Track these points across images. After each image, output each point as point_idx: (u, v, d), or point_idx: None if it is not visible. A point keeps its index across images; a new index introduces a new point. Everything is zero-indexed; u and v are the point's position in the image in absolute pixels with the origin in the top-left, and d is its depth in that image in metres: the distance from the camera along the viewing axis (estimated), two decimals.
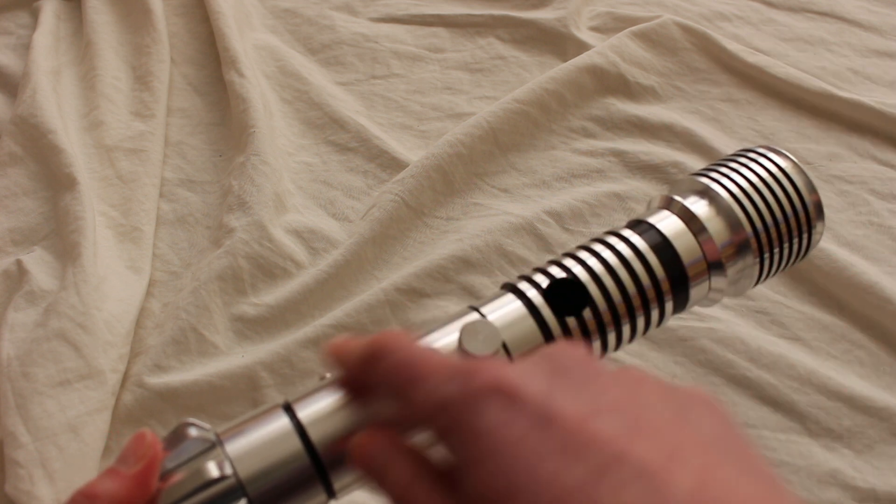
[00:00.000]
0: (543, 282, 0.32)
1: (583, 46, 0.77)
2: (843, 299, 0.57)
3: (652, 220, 0.36)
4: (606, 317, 0.32)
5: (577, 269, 0.33)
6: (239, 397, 0.52)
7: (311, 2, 0.85)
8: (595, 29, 0.82)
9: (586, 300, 0.32)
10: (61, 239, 0.59)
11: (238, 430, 0.27)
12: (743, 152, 0.39)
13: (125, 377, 0.53)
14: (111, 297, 0.55)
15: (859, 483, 0.47)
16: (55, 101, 0.68)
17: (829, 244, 0.59)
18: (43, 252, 0.59)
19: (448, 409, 0.22)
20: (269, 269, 0.58)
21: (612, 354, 0.34)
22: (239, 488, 0.26)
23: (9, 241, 0.61)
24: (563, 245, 0.61)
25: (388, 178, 0.66)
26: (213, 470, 0.26)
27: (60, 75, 0.73)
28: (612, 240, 0.34)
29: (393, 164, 0.67)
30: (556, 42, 0.80)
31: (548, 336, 0.31)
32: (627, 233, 0.35)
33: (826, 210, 0.65)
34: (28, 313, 0.54)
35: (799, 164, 0.38)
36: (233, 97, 0.70)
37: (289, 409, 0.28)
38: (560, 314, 0.32)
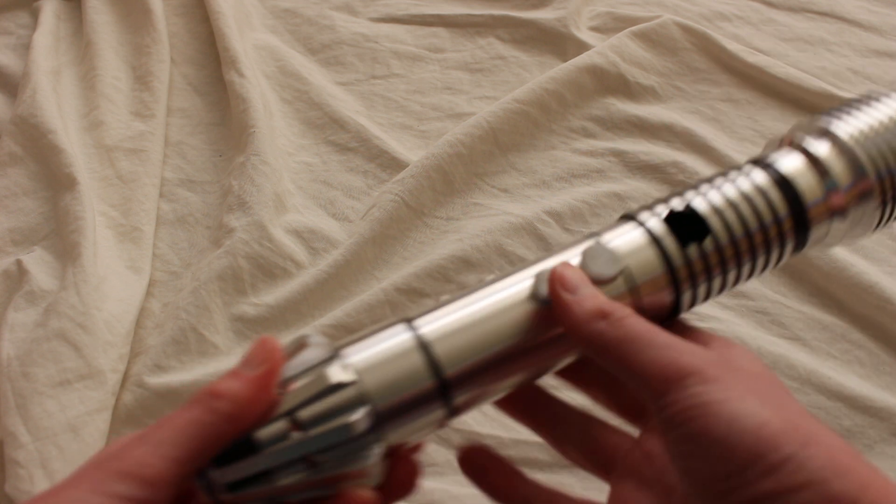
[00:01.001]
0: (664, 212, 0.32)
1: (583, 46, 0.77)
2: (843, 299, 0.57)
3: (773, 158, 0.34)
4: (728, 251, 0.31)
5: (698, 201, 0.32)
6: None
7: (311, 2, 0.85)
8: (595, 29, 0.82)
9: (707, 230, 0.31)
10: (61, 239, 0.59)
11: (359, 342, 0.27)
12: (868, 95, 0.38)
13: (125, 377, 0.53)
14: (111, 297, 0.55)
15: None
16: (55, 101, 0.68)
17: None
18: (43, 252, 0.59)
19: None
20: (269, 269, 0.58)
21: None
22: (361, 396, 0.26)
23: (9, 241, 0.61)
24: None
25: (388, 178, 0.66)
26: (336, 374, 0.26)
27: (60, 75, 0.73)
28: (734, 175, 0.33)
29: (393, 164, 0.67)
30: (556, 42, 0.80)
31: (669, 264, 0.31)
32: (749, 168, 0.34)
33: None
34: (28, 313, 0.54)
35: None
36: (233, 97, 0.70)
37: (410, 324, 0.28)
38: (682, 242, 0.31)
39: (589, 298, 0.27)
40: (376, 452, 0.26)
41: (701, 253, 0.31)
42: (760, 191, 0.32)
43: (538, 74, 0.75)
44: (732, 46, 0.76)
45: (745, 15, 0.85)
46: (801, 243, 0.34)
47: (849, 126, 0.35)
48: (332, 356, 0.26)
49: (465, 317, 0.28)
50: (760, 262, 0.33)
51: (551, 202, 0.63)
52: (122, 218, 0.62)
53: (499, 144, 0.68)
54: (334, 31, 0.82)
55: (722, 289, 0.33)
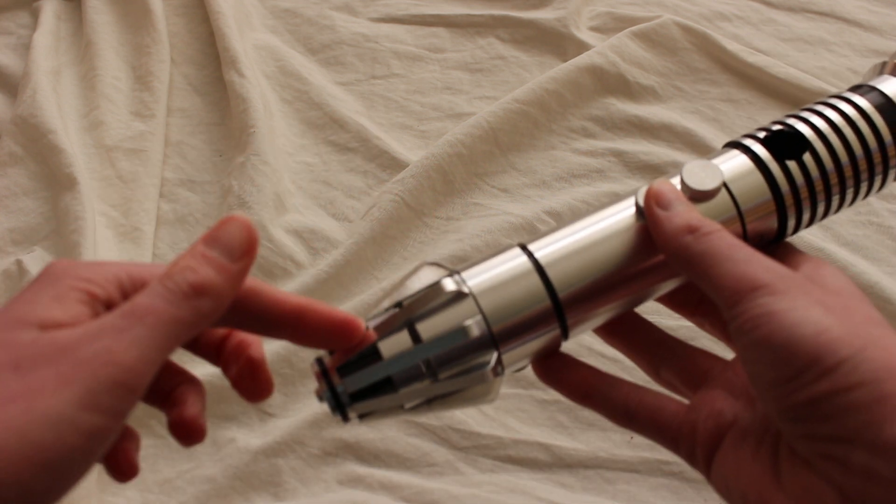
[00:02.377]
0: (763, 135, 0.32)
1: (583, 46, 0.77)
2: None
3: (874, 82, 0.34)
4: (833, 176, 0.31)
5: (800, 126, 0.32)
6: (239, 397, 0.52)
7: (311, 2, 0.85)
8: (595, 29, 0.82)
9: (806, 146, 0.31)
10: (61, 239, 0.59)
11: (475, 266, 0.28)
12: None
13: None
14: None
15: None
16: (55, 101, 0.68)
17: (829, 244, 0.59)
18: (43, 252, 0.59)
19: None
20: (269, 269, 0.58)
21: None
22: (477, 308, 0.27)
23: (9, 241, 0.61)
24: None
25: (388, 178, 0.66)
26: (451, 285, 0.27)
27: (60, 75, 0.73)
28: (836, 101, 0.33)
29: (393, 164, 0.67)
30: (556, 42, 0.80)
31: (772, 184, 0.31)
32: (850, 94, 0.34)
33: None
34: None
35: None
36: (233, 97, 0.70)
37: (525, 249, 0.29)
38: (781, 158, 0.31)
39: (680, 214, 0.28)
40: (492, 366, 0.26)
41: (806, 176, 0.31)
42: (865, 114, 0.32)
43: (538, 74, 0.75)
44: (732, 46, 0.76)
45: (745, 15, 0.85)
46: None
47: None
48: (449, 275, 0.27)
49: (576, 241, 0.29)
50: (864, 186, 0.33)
51: (551, 202, 0.63)
52: (122, 218, 0.62)
53: (499, 144, 0.68)
54: (334, 31, 0.82)
55: (826, 213, 0.33)
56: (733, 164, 0.31)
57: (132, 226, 0.61)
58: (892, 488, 0.21)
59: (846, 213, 0.64)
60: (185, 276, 0.23)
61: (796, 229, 0.32)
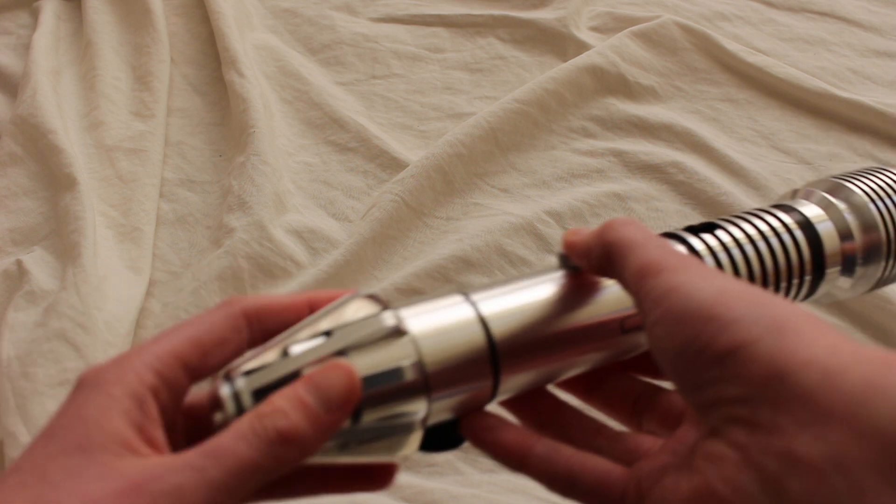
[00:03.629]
0: (704, 234, 0.33)
1: (583, 46, 0.77)
2: (844, 299, 0.57)
3: (796, 205, 0.36)
4: (758, 278, 0.33)
5: (736, 231, 0.33)
6: None
7: (311, 2, 0.85)
8: (595, 29, 0.82)
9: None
10: (61, 239, 0.59)
11: (417, 307, 0.27)
12: (874, 168, 0.40)
13: None
14: (111, 297, 0.55)
15: None
16: (55, 101, 0.68)
17: None
18: (43, 252, 0.59)
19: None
20: (269, 269, 0.58)
21: None
22: (414, 350, 0.25)
23: (9, 241, 0.61)
24: None
25: (388, 178, 0.66)
26: (390, 320, 0.25)
27: (60, 75, 0.73)
28: (763, 214, 0.35)
29: (393, 164, 0.67)
30: (556, 42, 0.80)
31: None
32: (775, 210, 0.36)
33: None
34: (28, 313, 0.54)
35: None
36: (233, 97, 0.70)
37: (468, 298, 0.28)
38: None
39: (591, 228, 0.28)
40: (422, 416, 0.26)
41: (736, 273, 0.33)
42: (789, 231, 0.34)
43: (538, 74, 0.74)
44: (732, 46, 0.76)
45: (745, 15, 0.85)
46: (812, 288, 0.35)
47: (861, 186, 0.37)
48: (386, 309, 0.26)
49: (518, 298, 0.29)
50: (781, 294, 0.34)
51: (551, 202, 0.63)
52: (122, 218, 0.62)
53: (499, 144, 0.68)
54: (334, 31, 0.82)
55: None
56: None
57: (132, 226, 0.61)
58: (793, 441, 0.20)
59: None
60: (274, 422, 0.22)
61: None
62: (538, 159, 0.68)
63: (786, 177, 0.66)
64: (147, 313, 0.57)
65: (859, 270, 0.36)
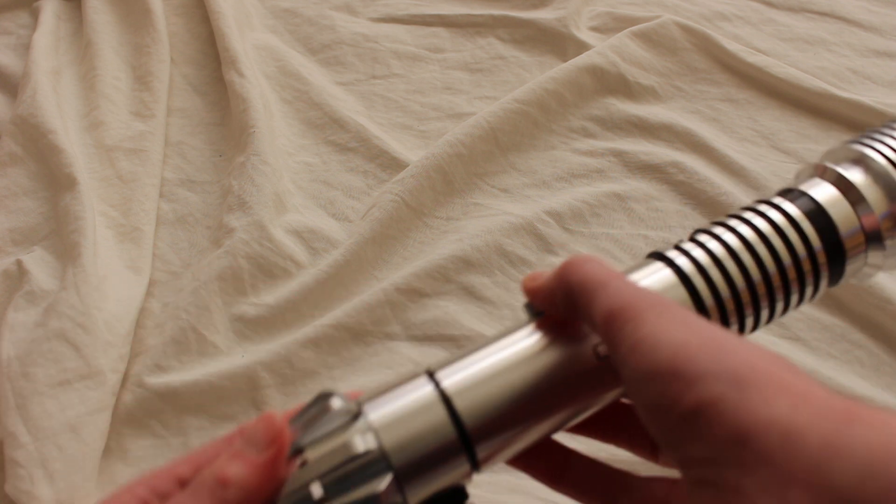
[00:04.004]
0: (693, 250, 0.31)
1: (583, 46, 0.77)
2: (843, 299, 0.57)
3: (804, 187, 0.33)
4: (760, 289, 0.30)
5: (729, 238, 0.31)
6: (239, 397, 0.52)
7: (311, 2, 0.85)
8: (595, 29, 0.82)
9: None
10: (61, 239, 0.59)
11: (381, 399, 0.27)
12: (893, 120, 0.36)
13: (125, 377, 0.53)
14: (111, 297, 0.55)
15: None
16: (55, 101, 0.68)
17: None
18: (43, 252, 0.59)
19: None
20: (269, 269, 0.58)
21: None
22: (385, 461, 0.25)
23: (9, 241, 0.61)
24: (563, 245, 0.61)
25: (388, 178, 0.66)
26: (359, 443, 0.25)
27: (60, 75, 0.73)
28: (763, 207, 0.32)
29: (393, 164, 0.67)
30: (556, 42, 0.80)
31: (696, 298, 0.30)
32: (779, 200, 0.32)
33: None
34: (28, 313, 0.54)
35: None
36: (233, 97, 0.70)
37: (432, 377, 0.27)
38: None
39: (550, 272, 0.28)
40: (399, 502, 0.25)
41: (733, 293, 0.30)
42: (794, 222, 0.31)
43: (538, 74, 0.74)
44: (732, 46, 0.76)
45: (745, 15, 0.85)
46: (837, 275, 0.32)
47: (883, 150, 0.33)
48: (353, 417, 0.26)
49: (486, 367, 0.28)
50: (794, 297, 0.31)
51: (551, 202, 0.63)
52: (122, 218, 0.62)
53: (499, 144, 0.68)
54: (334, 31, 0.82)
55: (755, 326, 0.31)
56: (657, 278, 0.30)
57: (132, 226, 0.61)
58: None
59: None
60: (213, 471, 0.25)
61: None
62: (538, 159, 0.68)
63: (786, 177, 0.66)
64: (147, 313, 0.57)
65: (890, 242, 0.32)
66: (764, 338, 0.55)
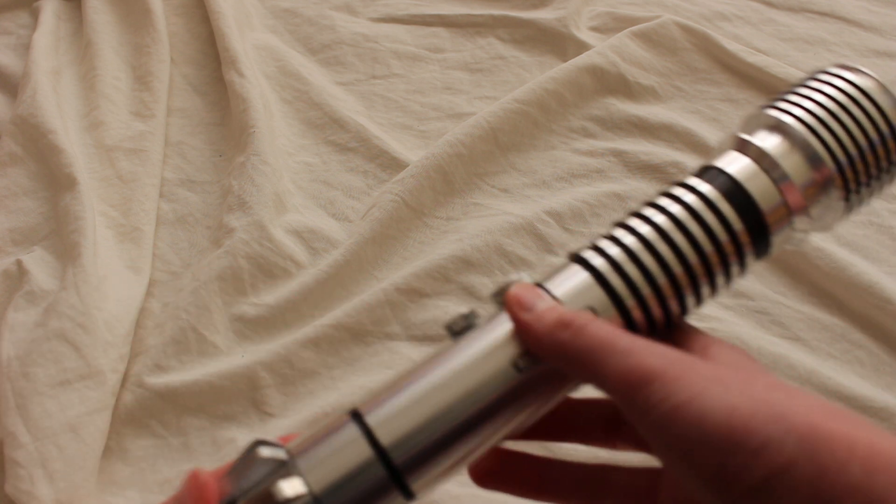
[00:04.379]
0: (609, 248, 0.30)
1: (583, 46, 0.77)
2: (843, 299, 0.57)
3: (720, 164, 0.31)
4: (682, 280, 0.29)
5: (645, 229, 0.30)
6: (239, 397, 0.52)
7: (311, 2, 0.85)
8: (595, 29, 0.82)
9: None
10: (61, 239, 0.59)
11: (308, 444, 0.27)
12: (814, 75, 0.35)
13: (125, 377, 0.53)
14: (111, 297, 0.55)
15: None
16: (55, 101, 0.68)
17: (829, 244, 0.59)
18: (43, 252, 0.59)
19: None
20: (269, 269, 0.58)
21: None
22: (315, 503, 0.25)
23: (9, 241, 0.61)
24: (564, 245, 0.61)
25: (388, 178, 0.66)
26: (286, 490, 0.25)
27: (60, 75, 0.73)
28: (679, 191, 0.31)
29: (393, 164, 0.67)
30: (556, 42, 0.80)
31: (619, 305, 0.29)
32: (695, 181, 0.31)
33: None
34: (28, 313, 0.54)
35: (882, 82, 0.33)
36: (233, 97, 0.70)
37: (356, 414, 0.27)
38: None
39: (547, 312, 0.26)
40: None
41: (653, 288, 0.29)
42: (710, 205, 0.30)
43: (538, 74, 0.74)
44: (732, 46, 0.76)
45: (745, 15, 0.85)
46: (763, 250, 0.31)
47: (799, 113, 0.32)
48: (282, 464, 0.26)
49: (410, 397, 0.27)
50: (721, 280, 0.30)
51: (551, 202, 0.63)
52: (122, 218, 0.62)
53: (499, 144, 0.68)
54: (334, 31, 0.82)
55: (683, 313, 0.30)
56: (574, 282, 0.29)
57: (132, 226, 0.61)
58: None
59: None
60: None
61: (651, 330, 0.30)
62: (538, 159, 0.68)
63: None
64: (147, 313, 0.57)
65: (815, 209, 0.31)
66: (764, 337, 0.55)
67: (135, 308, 0.56)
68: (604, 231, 0.31)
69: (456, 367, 0.28)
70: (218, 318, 0.55)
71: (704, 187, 0.30)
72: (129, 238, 0.60)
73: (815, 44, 0.81)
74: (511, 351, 0.28)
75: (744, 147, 0.31)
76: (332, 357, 0.54)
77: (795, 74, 0.73)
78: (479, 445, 0.28)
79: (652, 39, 0.77)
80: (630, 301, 0.29)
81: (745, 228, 0.30)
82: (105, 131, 0.68)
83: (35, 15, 0.81)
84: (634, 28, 0.77)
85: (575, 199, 0.63)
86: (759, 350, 0.53)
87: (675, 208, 0.30)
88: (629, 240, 0.29)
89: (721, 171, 0.31)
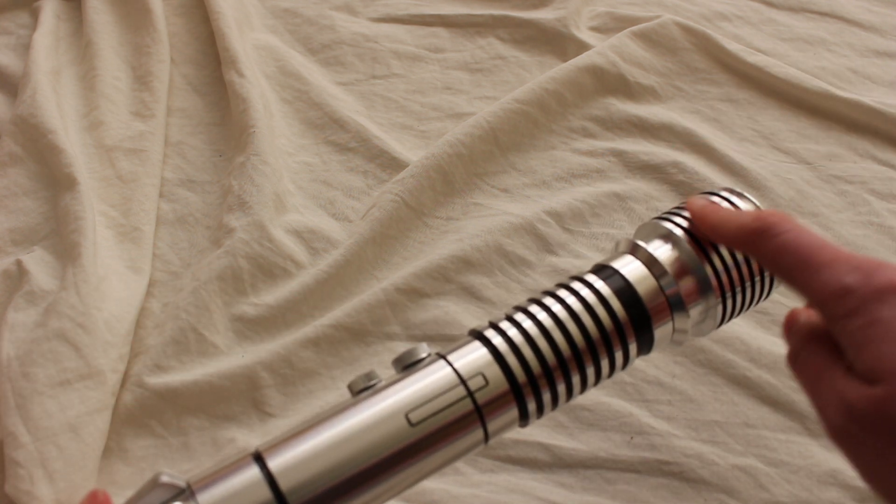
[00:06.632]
0: (509, 329, 0.34)
1: (583, 46, 0.77)
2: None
3: (616, 265, 0.37)
4: (571, 364, 0.34)
5: (542, 316, 0.34)
6: (239, 397, 0.52)
7: (311, 2, 0.86)
8: (595, 29, 0.82)
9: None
10: (61, 239, 0.59)
11: (210, 480, 0.28)
12: (708, 194, 0.41)
13: (125, 377, 0.53)
14: (111, 297, 0.55)
15: (859, 483, 0.47)
16: (55, 101, 0.68)
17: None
18: (43, 252, 0.59)
19: (848, 297, 0.25)
20: (269, 269, 0.58)
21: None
22: None
23: (9, 241, 0.61)
24: (563, 245, 0.61)
25: (388, 178, 0.66)
26: None
27: (60, 75, 0.73)
28: (577, 285, 0.36)
29: (393, 164, 0.67)
30: (556, 42, 0.80)
31: (511, 382, 0.33)
32: (592, 278, 0.36)
33: (826, 210, 0.65)
34: (28, 313, 0.54)
35: (758, 204, 0.39)
36: (233, 97, 0.70)
37: (259, 458, 0.29)
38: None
39: (743, 212, 0.30)
40: None
41: (544, 369, 0.33)
42: (603, 300, 0.35)
43: (538, 74, 0.75)
44: (732, 46, 0.76)
45: (745, 15, 0.85)
46: (646, 342, 0.36)
47: (686, 225, 0.37)
48: (180, 492, 0.27)
49: (310, 446, 0.29)
50: (605, 367, 0.35)
51: (551, 202, 0.63)
52: (122, 218, 0.62)
53: (499, 144, 0.68)
54: (334, 31, 0.82)
55: (569, 397, 0.35)
56: (473, 357, 0.33)
57: (132, 226, 0.61)
58: None
59: (846, 214, 0.64)
60: None
61: (540, 414, 0.35)
62: (538, 159, 0.68)
63: (786, 177, 0.66)
64: (147, 313, 0.57)
65: (694, 310, 0.36)
66: (764, 337, 0.55)
67: (135, 308, 0.56)
68: (505, 313, 0.35)
69: (357, 422, 0.30)
70: (218, 318, 0.55)
71: (600, 285, 0.36)
72: (129, 238, 0.60)
73: (815, 44, 0.81)
74: (405, 408, 0.30)
75: (637, 252, 0.37)
76: (332, 357, 0.54)
77: (795, 74, 0.73)
78: (377, 496, 0.30)
79: (652, 39, 0.77)
80: (522, 378, 0.33)
81: (630, 323, 0.35)
82: (105, 131, 0.68)
83: (35, 15, 0.81)
84: (634, 28, 0.77)
85: (575, 199, 0.63)
86: (759, 350, 0.53)
87: (572, 301, 0.35)
88: (528, 324, 0.34)
89: (616, 272, 0.37)
